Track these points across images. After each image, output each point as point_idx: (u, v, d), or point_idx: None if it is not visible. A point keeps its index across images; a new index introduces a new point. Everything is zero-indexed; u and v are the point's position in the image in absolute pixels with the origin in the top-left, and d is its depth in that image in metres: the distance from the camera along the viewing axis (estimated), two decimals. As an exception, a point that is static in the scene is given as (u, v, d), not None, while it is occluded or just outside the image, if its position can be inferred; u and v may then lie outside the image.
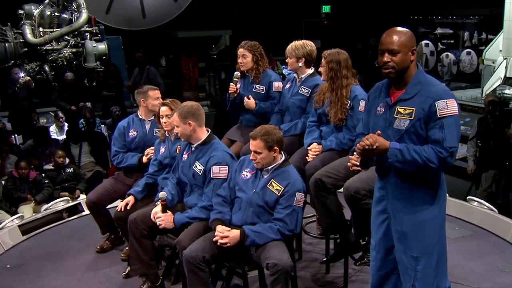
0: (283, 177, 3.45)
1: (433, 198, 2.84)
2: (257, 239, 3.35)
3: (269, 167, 3.49)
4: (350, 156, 3.65)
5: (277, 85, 4.60)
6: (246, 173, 3.56)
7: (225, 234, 3.37)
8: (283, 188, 3.40)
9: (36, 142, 7.71)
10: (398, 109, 2.78)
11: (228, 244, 3.35)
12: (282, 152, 3.52)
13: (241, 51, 4.56)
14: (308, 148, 4.08)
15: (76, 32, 9.51)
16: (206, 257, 3.37)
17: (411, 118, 2.73)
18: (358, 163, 3.57)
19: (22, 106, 8.69)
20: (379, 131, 2.77)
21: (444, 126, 2.67)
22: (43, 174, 6.83)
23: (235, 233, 3.37)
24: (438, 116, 2.67)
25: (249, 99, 4.52)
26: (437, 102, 2.68)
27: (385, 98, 2.86)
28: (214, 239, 3.39)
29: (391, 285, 3.09)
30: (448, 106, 2.68)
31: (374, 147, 2.69)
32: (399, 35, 2.74)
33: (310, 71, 4.37)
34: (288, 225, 3.39)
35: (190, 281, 3.43)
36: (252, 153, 3.45)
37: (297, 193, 3.40)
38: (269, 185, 3.44)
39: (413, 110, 2.73)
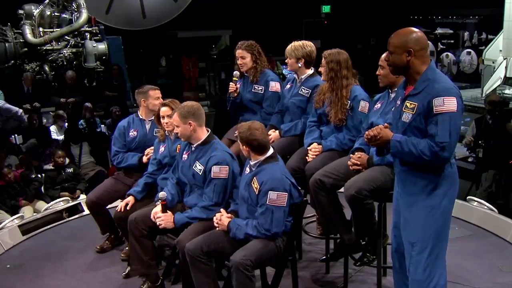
0: (262, 174, 3.41)
1: (434, 189, 2.92)
2: (237, 232, 3.40)
3: (251, 163, 3.49)
4: (351, 155, 3.67)
5: (273, 84, 4.58)
6: (248, 170, 3.58)
7: (221, 222, 3.48)
8: (259, 187, 3.39)
9: (38, 142, 7.71)
10: (406, 103, 2.94)
11: (222, 228, 3.47)
12: (271, 147, 3.50)
13: (239, 52, 4.56)
14: (308, 148, 4.08)
15: (76, 32, 9.51)
16: (205, 248, 3.39)
17: (413, 113, 2.89)
18: (358, 163, 3.60)
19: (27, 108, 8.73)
20: (386, 124, 2.99)
21: (438, 122, 2.79)
22: (28, 171, 6.84)
23: (226, 221, 3.47)
24: (434, 112, 2.80)
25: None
26: (435, 99, 2.81)
27: (403, 92, 3.03)
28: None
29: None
30: (445, 103, 2.79)
31: (378, 137, 2.89)
32: (396, 37, 2.92)
33: (310, 71, 4.36)
34: (263, 224, 3.34)
35: (193, 274, 3.45)
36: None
37: (269, 192, 3.32)
38: (252, 183, 3.44)
39: (416, 105, 2.88)
